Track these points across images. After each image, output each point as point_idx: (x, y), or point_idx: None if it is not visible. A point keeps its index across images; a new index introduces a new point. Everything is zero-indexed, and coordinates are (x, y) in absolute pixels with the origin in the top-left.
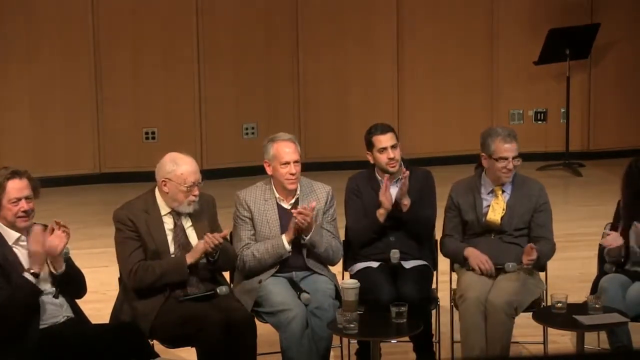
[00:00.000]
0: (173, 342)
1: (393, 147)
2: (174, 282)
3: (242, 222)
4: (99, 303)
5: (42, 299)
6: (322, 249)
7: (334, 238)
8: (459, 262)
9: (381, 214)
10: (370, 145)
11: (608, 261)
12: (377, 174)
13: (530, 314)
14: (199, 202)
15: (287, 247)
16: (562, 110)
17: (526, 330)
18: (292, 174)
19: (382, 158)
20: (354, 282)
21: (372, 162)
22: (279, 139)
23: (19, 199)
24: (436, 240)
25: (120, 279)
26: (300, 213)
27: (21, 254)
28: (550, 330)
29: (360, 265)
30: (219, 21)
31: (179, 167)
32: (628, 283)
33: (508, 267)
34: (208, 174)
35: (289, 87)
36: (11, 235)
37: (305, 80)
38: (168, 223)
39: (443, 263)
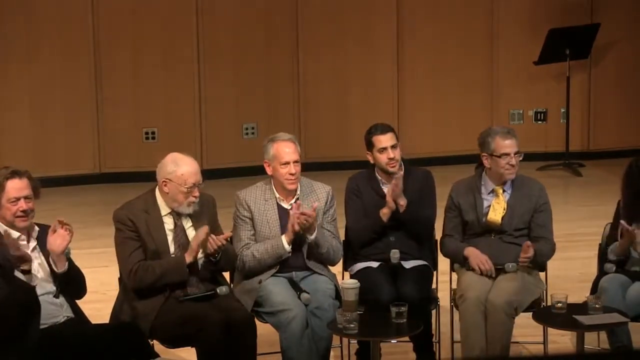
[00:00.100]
0: (173, 342)
1: (393, 147)
2: (174, 282)
3: (242, 222)
4: (99, 303)
5: (43, 299)
6: (325, 250)
7: (334, 238)
8: (459, 262)
9: (385, 213)
10: (370, 145)
11: (612, 259)
12: (377, 174)
13: (530, 314)
14: (199, 203)
15: (287, 247)
16: (562, 110)
17: (526, 330)
18: (292, 174)
19: (382, 158)
20: (354, 282)
21: (372, 162)
22: (279, 139)
23: (18, 199)
24: (436, 240)
25: (120, 279)
26: (303, 214)
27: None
28: (550, 330)
29: (360, 265)
30: (219, 21)
31: (180, 167)
32: (628, 283)
33: (508, 267)
34: (208, 174)
35: (289, 87)
36: (12, 236)
37: (305, 80)
38: (168, 223)
39: (443, 263)
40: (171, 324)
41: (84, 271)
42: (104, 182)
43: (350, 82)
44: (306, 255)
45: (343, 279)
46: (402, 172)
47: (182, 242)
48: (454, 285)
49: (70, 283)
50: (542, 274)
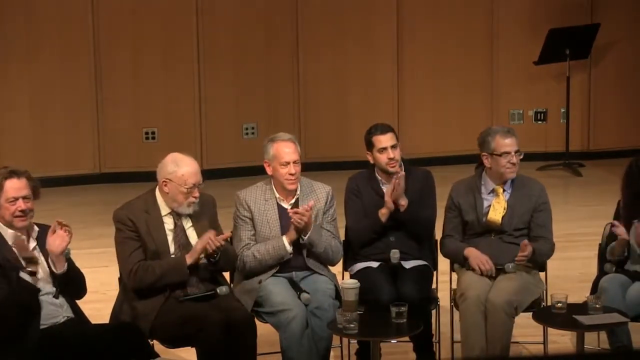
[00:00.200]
0: (173, 342)
1: (393, 147)
2: (174, 283)
3: (242, 222)
4: (99, 303)
5: (42, 299)
6: (321, 249)
7: (334, 238)
8: (459, 262)
9: (383, 213)
10: (370, 145)
11: (610, 260)
12: (377, 174)
13: (530, 314)
14: (199, 203)
15: (289, 248)
16: (562, 110)
17: (526, 330)
18: (292, 174)
19: (382, 158)
20: (354, 282)
21: (372, 162)
22: (278, 139)
23: (17, 199)
24: (436, 240)
25: (120, 279)
26: (296, 213)
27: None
28: (550, 330)
29: (360, 265)
30: (219, 21)
31: (180, 168)
32: (628, 283)
33: (508, 267)
34: (208, 174)
35: (289, 87)
36: (10, 235)
37: (305, 80)
38: (168, 223)
39: (443, 263)
40: (171, 324)
41: (84, 271)
42: (104, 182)
43: (350, 82)
44: (306, 255)
45: (343, 279)
46: (403, 172)
47: (182, 242)
48: (454, 285)
49: (70, 283)
50: (542, 274)
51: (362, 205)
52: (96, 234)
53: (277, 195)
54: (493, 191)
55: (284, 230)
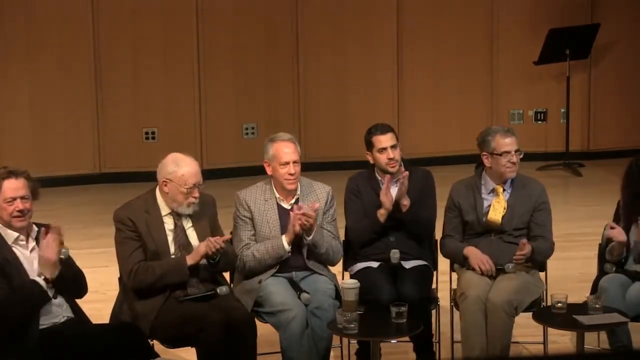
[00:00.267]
0: (173, 342)
1: (393, 147)
2: (174, 283)
3: (242, 222)
4: (99, 303)
5: None
6: (324, 250)
7: (334, 238)
8: (459, 262)
9: (382, 214)
10: (370, 146)
11: (609, 260)
12: (377, 174)
13: (530, 314)
14: (200, 203)
15: (287, 247)
16: (562, 110)
17: (526, 330)
18: (291, 174)
19: (382, 158)
20: (354, 282)
21: (372, 162)
22: (278, 139)
23: (14, 199)
24: (436, 240)
25: (120, 279)
26: (304, 214)
27: (21, 253)
28: (550, 330)
29: (360, 265)
30: (219, 21)
31: (181, 168)
32: (628, 283)
33: (508, 267)
34: (208, 174)
35: (289, 87)
36: (10, 235)
37: (305, 80)
38: (168, 223)
39: (443, 263)
40: (171, 324)
41: (84, 271)
42: (104, 182)
43: (350, 82)
44: (306, 255)
45: (343, 279)
46: (407, 173)
47: (182, 242)
48: (454, 285)
49: (68, 284)
50: (542, 274)
51: (362, 205)
52: (96, 234)
53: (277, 196)
54: (493, 191)
55: (283, 230)
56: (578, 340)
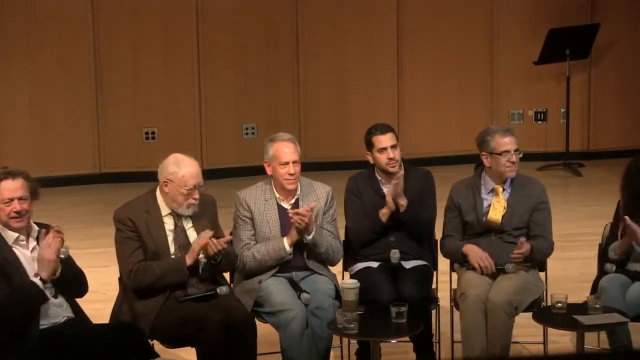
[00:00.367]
0: (173, 342)
1: (393, 147)
2: (174, 283)
3: (242, 222)
4: (99, 303)
5: None
6: (323, 249)
7: (334, 238)
8: (459, 261)
9: (384, 214)
10: (370, 146)
11: (611, 257)
12: (377, 174)
13: (530, 314)
14: (200, 203)
15: (289, 249)
16: (562, 110)
17: (526, 330)
18: (291, 174)
19: (382, 158)
20: (354, 282)
21: (372, 162)
22: (278, 139)
23: (12, 200)
24: (436, 240)
25: (120, 279)
26: (296, 214)
27: (21, 254)
28: (550, 330)
29: (360, 265)
30: (219, 21)
31: (181, 169)
32: (628, 283)
33: (508, 267)
34: (208, 174)
35: (289, 87)
36: (10, 236)
37: (305, 80)
38: (168, 224)
39: (443, 263)
40: (171, 324)
41: (84, 271)
42: (104, 182)
43: (350, 82)
44: (306, 256)
45: (343, 279)
46: (402, 172)
47: (183, 242)
48: (454, 285)
49: (69, 284)
50: (542, 274)
51: (362, 205)
52: (96, 234)
53: (277, 195)
54: (493, 191)
55: (283, 230)
56: (578, 340)
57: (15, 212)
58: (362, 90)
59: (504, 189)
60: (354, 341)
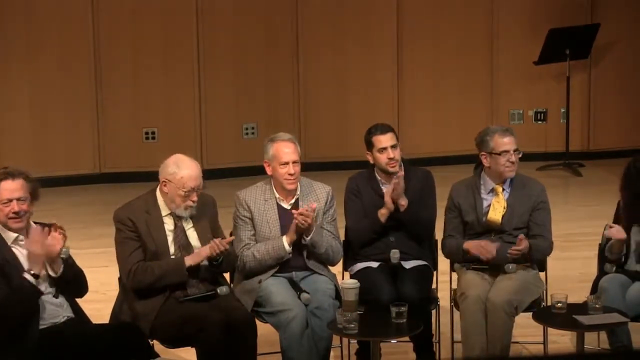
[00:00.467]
0: (173, 342)
1: (393, 147)
2: (173, 284)
3: (242, 222)
4: (99, 303)
5: (42, 299)
6: (323, 250)
7: (334, 238)
8: (460, 259)
9: (383, 214)
10: (370, 145)
11: (609, 258)
12: (377, 174)
13: (530, 314)
14: (200, 203)
15: (288, 248)
16: (562, 110)
17: (526, 330)
18: (291, 174)
19: (382, 158)
20: (354, 282)
21: (372, 162)
22: (278, 139)
23: (10, 200)
24: (436, 240)
25: (120, 279)
26: (300, 214)
27: (20, 253)
28: (550, 330)
29: (360, 265)
30: (219, 21)
31: (181, 170)
32: (628, 283)
33: (508, 268)
34: (208, 174)
35: (289, 87)
36: (9, 236)
37: (305, 80)
38: (168, 224)
39: (443, 263)
40: (171, 324)
41: (84, 271)
42: (104, 182)
43: (350, 82)
44: (306, 256)
45: (343, 279)
46: (402, 172)
47: (182, 242)
48: (454, 285)
49: (70, 283)
50: (542, 274)
51: (362, 205)
52: (96, 234)
53: (277, 196)
54: (492, 191)
55: (283, 230)
56: (578, 340)
57: (14, 212)
58: (362, 90)
59: (503, 189)
60: (354, 341)
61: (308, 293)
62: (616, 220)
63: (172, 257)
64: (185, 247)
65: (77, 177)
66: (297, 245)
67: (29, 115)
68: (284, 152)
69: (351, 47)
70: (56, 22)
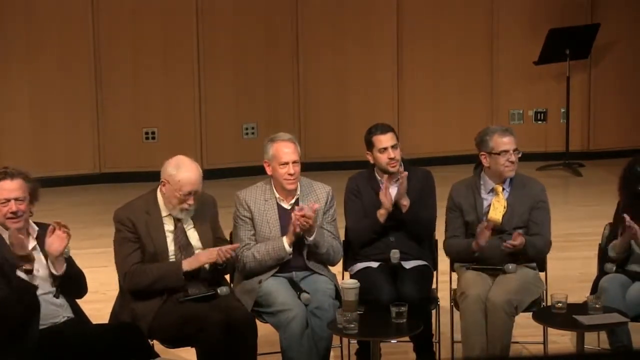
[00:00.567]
0: (173, 343)
1: (393, 147)
2: (169, 288)
3: (242, 223)
4: (99, 303)
5: (43, 299)
6: (324, 250)
7: (334, 238)
8: (469, 258)
9: (381, 214)
10: (370, 145)
11: (612, 257)
12: (377, 174)
13: (530, 314)
14: (200, 203)
15: (288, 249)
16: (562, 110)
17: (526, 330)
18: (291, 175)
19: (383, 158)
20: (354, 282)
21: (372, 162)
22: (278, 139)
23: (8, 200)
24: (436, 240)
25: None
26: (303, 216)
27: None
28: (550, 330)
29: (360, 265)
30: (219, 21)
31: (180, 173)
32: (628, 283)
33: (508, 268)
34: (208, 174)
35: (289, 87)
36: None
37: (305, 80)
38: (168, 224)
39: (443, 263)
40: (172, 324)
41: (84, 271)
42: (104, 182)
43: (350, 82)
44: (306, 256)
45: (343, 279)
46: (405, 173)
47: (183, 243)
48: (454, 285)
49: (70, 283)
50: (542, 274)
51: (361, 205)
52: (96, 234)
53: (277, 196)
54: (492, 190)
55: (284, 231)
56: (578, 340)
57: (12, 212)
58: (362, 90)
59: (503, 189)
60: (354, 341)
61: (308, 293)
62: (616, 220)
63: (172, 258)
64: (185, 247)
65: (77, 177)
66: (297, 245)
67: (29, 115)
68: (284, 152)
69: (351, 47)
70: (56, 22)
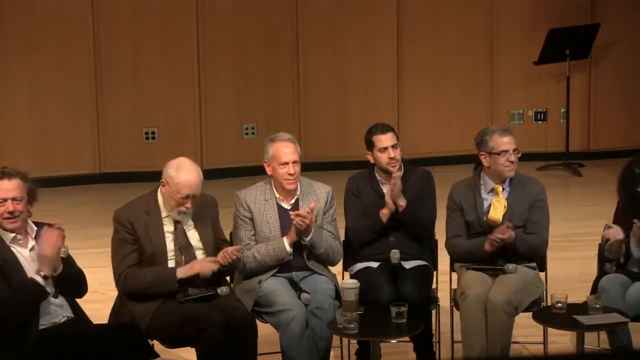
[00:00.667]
0: (173, 343)
1: (393, 146)
2: (162, 293)
3: (242, 223)
4: (99, 303)
5: None
6: (322, 250)
7: (334, 238)
8: (479, 257)
9: (385, 214)
10: (370, 145)
11: (608, 257)
12: (377, 174)
13: (530, 314)
14: (200, 203)
15: (289, 250)
16: (562, 110)
17: (526, 330)
18: (291, 175)
19: (383, 158)
20: (354, 282)
21: (372, 162)
22: (278, 139)
23: (5, 200)
24: (436, 240)
25: None
26: (298, 215)
27: (19, 253)
28: (550, 330)
29: (360, 265)
30: (219, 21)
31: (179, 175)
32: (628, 283)
33: (508, 268)
34: (208, 174)
35: (289, 87)
36: (8, 236)
37: (305, 80)
38: (168, 225)
39: (443, 263)
40: (172, 324)
41: (84, 271)
42: (104, 182)
43: (350, 82)
44: (306, 256)
45: (343, 279)
46: (400, 172)
47: (183, 244)
48: (454, 285)
49: (69, 283)
50: (542, 274)
51: (362, 205)
52: (96, 234)
53: (277, 196)
54: (492, 190)
55: (284, 231)
56: (578, 340)
57: (9, 212)
58: (362, 90)
59: (503, 189)
60: (354, 341)
61: (308, 293)
62: (616, 220)
63: (171, 259)
64: (185, 248)
65: (77, 177)
66: (297, 245)
67: (29, 115)
68: (284, 152)
69: (351, 47)
70: (56, 22)
